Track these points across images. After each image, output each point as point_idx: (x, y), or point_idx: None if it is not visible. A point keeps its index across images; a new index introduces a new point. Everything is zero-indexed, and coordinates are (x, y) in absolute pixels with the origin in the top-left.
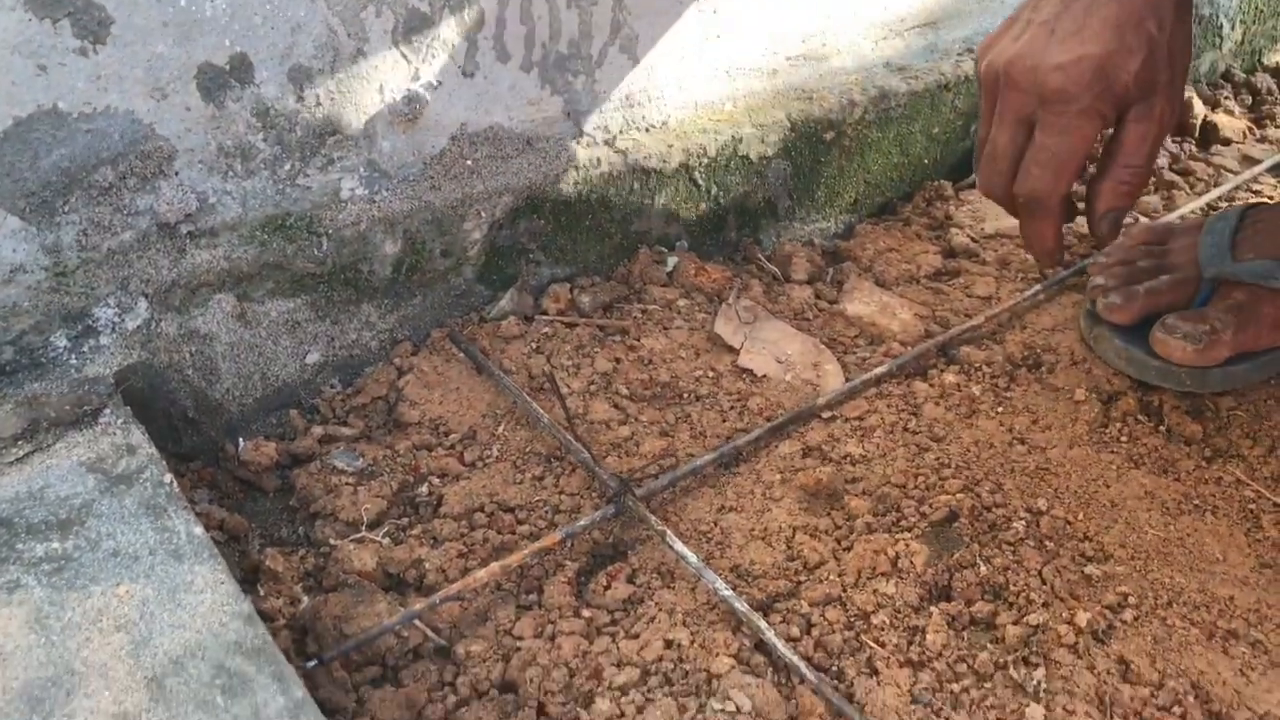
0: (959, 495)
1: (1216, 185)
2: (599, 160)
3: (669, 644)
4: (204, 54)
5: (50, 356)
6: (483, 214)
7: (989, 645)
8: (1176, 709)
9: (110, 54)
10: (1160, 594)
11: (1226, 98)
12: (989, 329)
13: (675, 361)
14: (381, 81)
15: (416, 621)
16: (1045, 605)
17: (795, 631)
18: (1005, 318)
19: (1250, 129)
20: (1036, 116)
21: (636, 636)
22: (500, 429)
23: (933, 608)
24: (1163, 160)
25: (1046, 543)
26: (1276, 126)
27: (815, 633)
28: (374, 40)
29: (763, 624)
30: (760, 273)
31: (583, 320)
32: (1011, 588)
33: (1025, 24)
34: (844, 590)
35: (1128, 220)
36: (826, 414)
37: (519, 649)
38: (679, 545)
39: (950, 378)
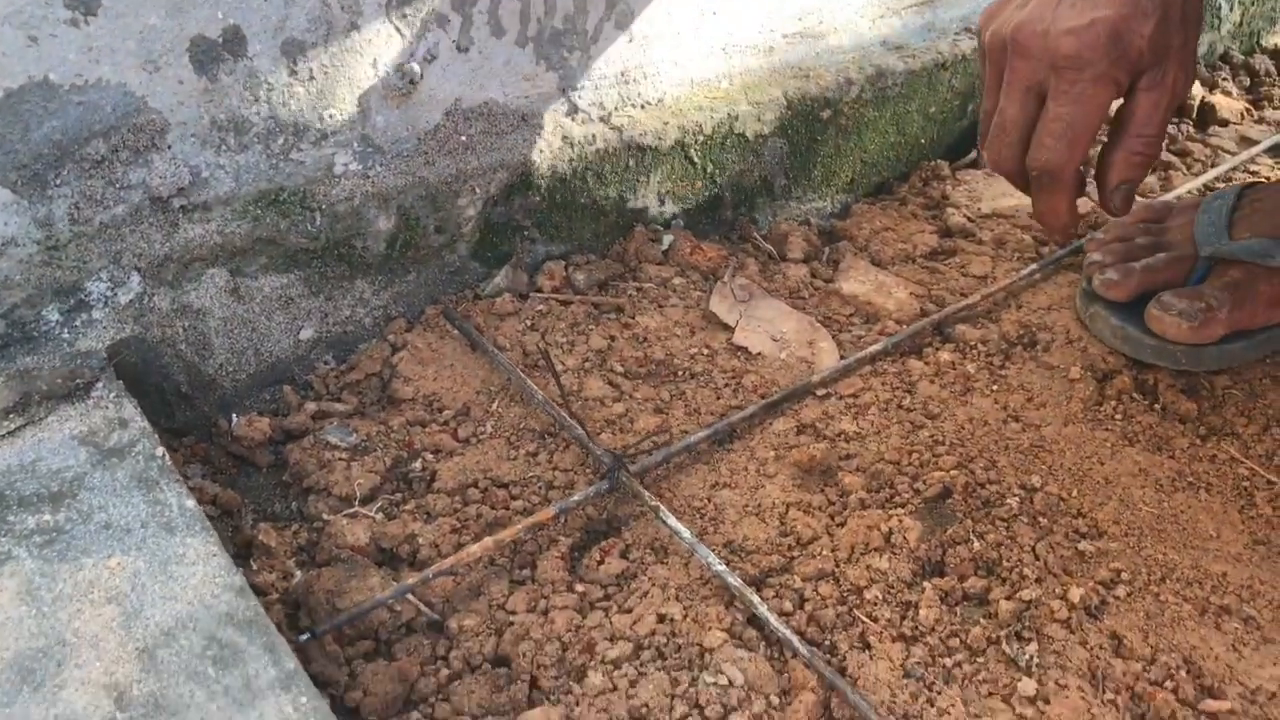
0: (953, 472)
1: (1214, 166)
2: (594, 137)
3: (662, 618)
4: (196, 26)
5: (42, 330)
6: (477, 190)
7: (982, 620)
8: (1168, 683)
9: (102, 25)
10: (1153, 570)
11: (1225, 79)
12: (984, 308)
13: (670, 339)
14: (375, 55)
15: (409, 596)
16: (1038, 581)
17: (788, 606)
18: (1001, 296)
19: (1248, 110)
20: (1048, 85)
21: (629, 611)
22: (494, 405)
23: (926, 583)
24: None
25: (1040, 519)
26: (1274, 108)
27: (808, 607)
28: (368, 13)
29: (755, 598)
30: (756, 251)
31: (578, 298)
32: (1005, 563)
33: None
34: (837, 565)
35: None
36: (821, 391)
37: (512, 623)
38: (672, 521)
39: (945, 356)
